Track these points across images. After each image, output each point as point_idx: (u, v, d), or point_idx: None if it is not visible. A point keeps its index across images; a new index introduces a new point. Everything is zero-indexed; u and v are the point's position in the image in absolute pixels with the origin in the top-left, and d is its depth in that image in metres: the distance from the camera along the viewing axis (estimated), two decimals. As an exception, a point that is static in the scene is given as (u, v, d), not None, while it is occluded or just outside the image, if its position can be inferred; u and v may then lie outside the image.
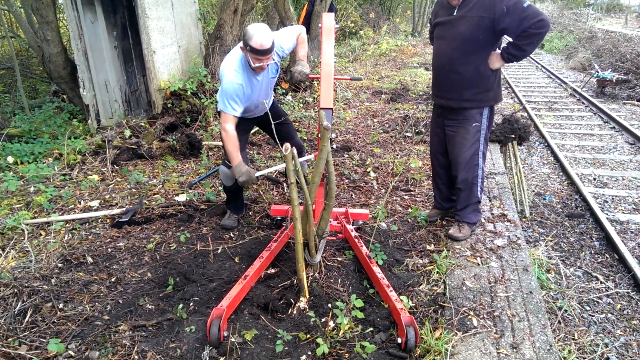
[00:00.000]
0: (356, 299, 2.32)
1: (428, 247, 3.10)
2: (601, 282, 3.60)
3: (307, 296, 2.57)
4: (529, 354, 2.13)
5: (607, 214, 4.56)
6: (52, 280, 2.79)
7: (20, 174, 4.37)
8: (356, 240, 2.98)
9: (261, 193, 3.96)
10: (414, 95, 7.75)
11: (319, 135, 2.38)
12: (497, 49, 2.78)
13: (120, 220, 3.53)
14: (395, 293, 2.46)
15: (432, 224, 3.41)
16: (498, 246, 3.04)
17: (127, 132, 4.94)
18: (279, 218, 3.41)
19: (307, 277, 2.64)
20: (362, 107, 7.00)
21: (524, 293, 2.58)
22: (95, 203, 3.92)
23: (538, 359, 2.10)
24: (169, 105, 5.48)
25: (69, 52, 6.08)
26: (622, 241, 3.97)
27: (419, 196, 3.91)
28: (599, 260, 3.89)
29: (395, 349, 2.22)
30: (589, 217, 4.59)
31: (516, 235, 3.18)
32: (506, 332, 2.28)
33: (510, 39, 2.67)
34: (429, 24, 3.27)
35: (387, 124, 6.10)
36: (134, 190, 4.16)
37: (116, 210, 3.71)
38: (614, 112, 8.32)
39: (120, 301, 2.64)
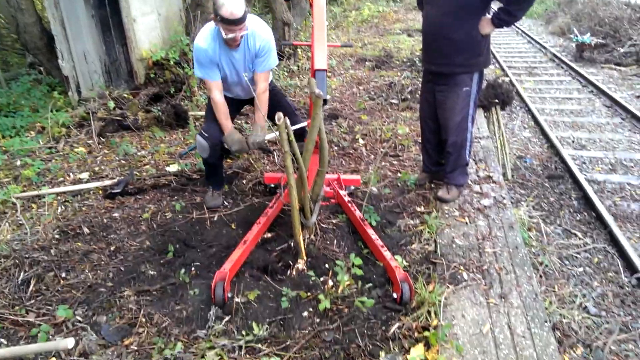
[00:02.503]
0: (355, 257, 2.42)
1: (418, 209, 3.22)
2: (579, 239, 3.79)
3: (305, 258, 2.66)
4: (516, 302, 2.29)
5: (585, 175, 4.74)
6: (52, 251, 2.82)
7: (4, 148, 4.30)
8: (349, 204, 3.08)
9: (252, 162, 4.00)
10: (398, 62, 7.76)
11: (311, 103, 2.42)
12: (487, 14, 2.83)
13: (113, 191, 3.54)
14: (389, 252, 2.58)
15: (421, 187, 3.53)
16: (485, 206, 3.18)
17: (111, 104, 4.87)
18: (272, 185, 3.47)
19: (304, 240, 2.73)
20: (346, 75, 7.00)
21: (510, 248, 2.73)
22: (85, 175, 3.91)
23: (525, 307, 2.26)
24: (152, 75, 5.39)
25: (44, 21, 5.87)
26: (600, 200, 4.16)
27: (407, 161, 4.01)
28: (578, 218, 4.08)
29: (391, 303, 2.35)
30: (568, 178, 4.77)
31: (501, 196, 3.32)
32: (494, 284, 2.43)
33: (501, 4, 2.71)
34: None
35: (372, 92, 6.14)
36: (123, 161, 4.15)
37: (107, 182, 3.71)
38: (592, 75, 8.49)
39: (122, 268, 2.70)
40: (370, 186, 3.46)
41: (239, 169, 3.86)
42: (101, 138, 4.59)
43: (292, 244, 2.80)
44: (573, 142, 5.74)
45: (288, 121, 2.30)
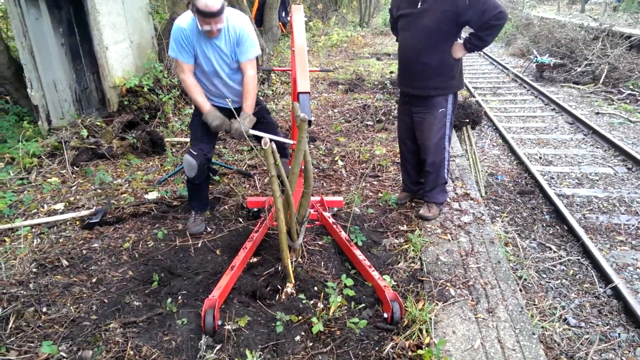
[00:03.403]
0: (347, 277, 2.44)
1: (401, 228, 3.28)
2: (554, 252, 3.92)
3: (293, 281, 2.66)
4: (504, 316, 2.34)
5: (554, 189, 4.93)
6: (30, 285, 2.72)
7: (-28, 181, 4.15)
8: (334, 225, 3.10)
9: (233, 186, 3.99)
10: (369, 85, 7.95)
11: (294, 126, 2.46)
12: (459, 39, 2.97)
13: (91, 221, 3.46)
14: (377, 272, 2.61)
15: (402, 206, 3.59)
16: (465, 222, 3.26)
17: (84, 132, 4.78)
18: (255, 209, 3.46)
19: (291, 263, 2.74)
20: (321, 98, 7.11)
21: (493, 263, 2.81)
22: (60, 206, 3.80)
23: (512, 320, 2.31)
24: (126, 102, 5.34)
25: (12, 50, 5.76)
26: (570, 213, 4.33)
27: (386, 181, 4.09)
28: (551, 232, 4.22)
29: (382, 323, 2.37)
30: (539, 193, 4.95)
31: (480, 212, 3.42)
32: (481, 299, 2.48)
33: (472, 30, 2.86)
34: (389, 15, 3.41)
35: (347, 114, 6.26)
36: (99, 190, 4.06)
37: (84, 212, 3.62)
38: (553, 94, 8.91)
39: (106, 300, 2.62)
40: (354, 207, 3.50)
41: (220, 194, 3.85)
42: (75, 167, 4.49)
43: (279, 268, 2.79)
44: (540, 158, 5.98)
45: (275, 146, 2.33)
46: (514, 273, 3.40)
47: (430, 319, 2.29)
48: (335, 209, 3.47)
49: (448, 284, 2.60)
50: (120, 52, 5.47)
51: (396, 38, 3.34)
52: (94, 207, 3.68)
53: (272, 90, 7.08)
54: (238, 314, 2.43)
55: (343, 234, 2.99)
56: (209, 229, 3.36)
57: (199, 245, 3.15)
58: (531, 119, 7.73)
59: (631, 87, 8.84)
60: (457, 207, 3.49)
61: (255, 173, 4.26)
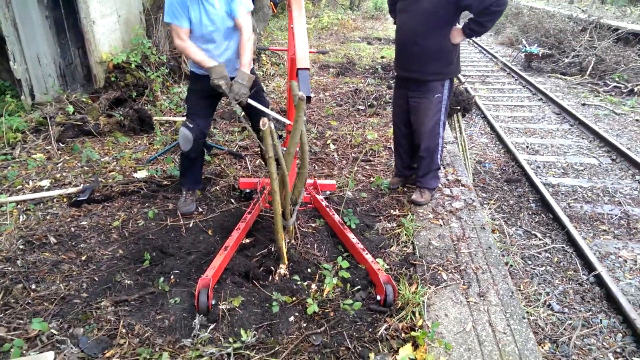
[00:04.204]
0: (342, 260, 2.44)
1: (393, 212, 3.30)
2: (539, 239, 3.99)
3: (287, 262, 2.66)
4: (495, 300, 2.39)
5: (540, 178, 5.00)
6: (18, 262, 2.66)
7: (-47, 155, 4.02)
8: (327, 208, 3.10)
9: (224, 167, 3.95)
10: (360, 69, 7.90)
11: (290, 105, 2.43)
12: (458, 24, 2.96)
13: (79, 199, 3.39)
14: (370, 255, 2.62)
15: (395, 191, 3.61)
16: (456, 208, 3.29)
17: (70, 108, 4.66)
18: (247, 190, 3.44)
19: (285, 244, 2.73)
20: (312, 82, 7.04)
21: (484, 248, 2.85)
22: (45, 182, 3.71)
23: (503, 304, 2.36)
24: (112, 79, 5.21)
25: (-6, 21, 5.53)
26: (556, 202, 4.40)
27: (379, 166, 4.10)
28: (536, 220, 4.29)
29: (375, 305, 2.39)
30: (525, 181, 5.02)
31: (471, 198, 3.45)
32: (473, 283, 2.52)
33: (471, 16, 2.85)
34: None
35: (339, 98, 6.22)
36: (86, 168, 3.98)
37: (72, 189, 3.55)
38: (540, 84, 8.99)
39: (96, 278, 2.59)
40: (347, 191, 3.50)
41: (211, 174, 3.80)
42: (60, 144, 4.38)
43: (272, 249, 2.79)
44: (527, 147, 6.05)
45: (272, 126, 2.30)
46: (501, 259, 3.46)
47: (423, 302, 2.32)
48: (328, 192, 3.46)
49: (440, 268, 2.63)
50: (108, 27, 5.31)
51: (394, 20, 3.31)
52: (82, 185, 3.61)
53: (263, 72, 6.99)
54: (232, 294, 2.43)
55: (336, 217, 3.00)
56: (200, 209, 3.33)
57: (191, 225, 3.12)
58: (519, 108, 7.80)
59: (617, 79, 8.97)
60: (449, 193, 3.52)
61: (247, 154, 4.22)
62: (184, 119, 3.22)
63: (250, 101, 2.84)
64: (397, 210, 3.32)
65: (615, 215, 4.29)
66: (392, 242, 2.93)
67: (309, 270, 2.65)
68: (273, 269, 2.64)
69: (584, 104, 7.92)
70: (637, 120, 7.13)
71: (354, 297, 2.44)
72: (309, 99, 2.29)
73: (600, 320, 3.07)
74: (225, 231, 3.05)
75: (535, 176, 4.98)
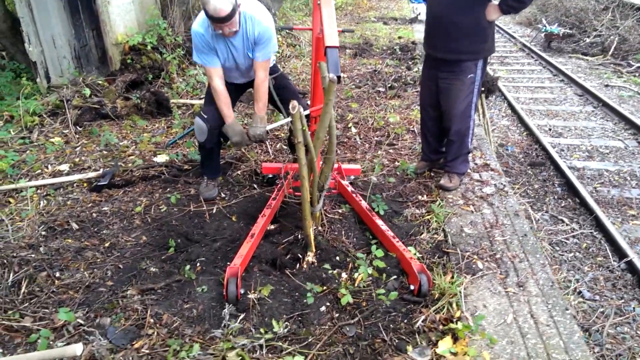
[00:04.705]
0: (377, 249, 2.35)
1: (421, 198, 3.19)
2: (567, 224, 3.87)
3: (314, 250, 2.58)
4: (535, 290, 2.29)
5: (565, 162, 4.85)
6: (41, 249, 2.61)
7: (-30, 139, 3.98)
8: (353, 194, 3.01)
9: (245, 151, 3.86)
10: (378, 50, 7.71)
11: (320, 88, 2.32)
12: (494, 0, 2.80)
13: (99, 183, 3.33)
14: (402, 243, 2.53)
15: (421, 175, 3.49)
16: (487, 194, 3.18)
17: (87, 91, 4.58)
18: (270, 176, 3.35)
19: (312, 231, 2.64)
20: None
21: (519, 236, 2.74)
22: (64, 167, 3.66)
23: (544, 295, 2.26)
24: (128, 61, 5.12)
25: (8, 2, 5.45)
26: (582, 186, 4.26)
27: (403, 149, 3.97)
28: (563, 205, 4.16)
29: (409, 295, 2.30)
30: (550, 165, 4.86)
31: (502, 183, 3.33)
32: (510, 273, 2.42)
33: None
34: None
35: (357, 79, 6.06)
36: (105, 152, 3.91)
37: (91, 174, 3.49)
38: (561, 65, 8.71)
39: (121, 266, 2.53)
40: (373, 175, 3.39)
41: (232, 159, 3.72)
42: (78, 127, 4.32)
43: (298, 236, 2.71)
44: (550, 130, 5.87)
45: (302, 111, 2.19)
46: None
47: (460, 292, 2.23)
48: (352, 177, 3.36)
49: (475, 257, 2.53)
50: (123, 7, 5.19)
51: (423, -2, 3.15)
52: (101, 169, 3.55)
53: (279, 53, 6.83)
54: (260, 282, 2.36)
55: (363, 203, 2.90)
56: (223, 195, 3.25)
57: (214, 211, 3.04)
58: (540, 90, 7.57)
59: (642, 59, 8.66)
60: (478, 178, 3.40)
61: (267, 137, 4.12)
62: (202, 105, 3.20)
63: (269, 127, 3.01)
64: (424, 195, 3.21)
65: None
66: (422, 229, 2.83)
67: (337, 258, 2.57)
68: (301, 256, 2.57)
69: (607, 85, 7.66)
70: (663, 102, 6.89)
71: (386, 287, 2.36)
72: (338, 79, 2.18)
73: (633, 308, 2.97)
74: (249, 217, 2.98)
75: (560, 159, 4.83)
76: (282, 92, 3.10)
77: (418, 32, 9.47)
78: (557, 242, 3.64)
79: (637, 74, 8.18)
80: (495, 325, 2.08)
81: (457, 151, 3.17)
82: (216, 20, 2.52)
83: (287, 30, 6.49)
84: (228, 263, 2.52)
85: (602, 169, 4.73)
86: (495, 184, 3.31)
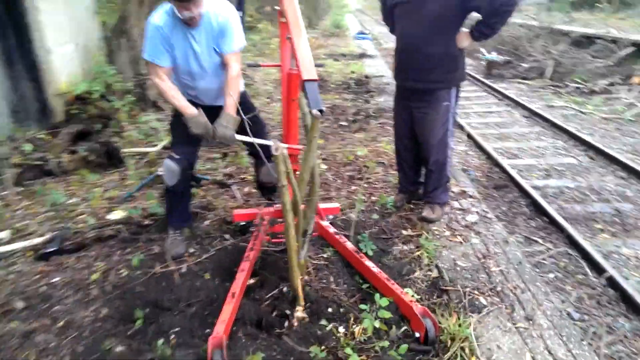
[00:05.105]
0: (380, 297, 2.13)
1: (405, 233, 3.03)
2: (541, 244, 3.83)
3: (303, 303, 2.33)
4: (545, 323, 2.14)
5: (526, 182, 4.89)
6: (-21, 338, 2.19)
7: None
8: (336, 235, 2.80)
9: (211, 199, 3.58)
10: (333, 85, 7.72)
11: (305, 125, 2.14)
12: (463, 28, 2.77)
13: (47, 250, 2.93)
14: (398, 286, 2.33)
15: (401, 208, 3.35)
16: (472, 222, 3.07)
17: (28, 146, 4.17)
18: (243, 223, 3.09)
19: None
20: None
21: (514, 264, 2.62)
22: (4, 234, 3.22)
23: (555, 326, 2.12)
24: (73, 111, 4.76)
25: None
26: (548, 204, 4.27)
27: (376, 183, 3.84)
28: (533, 225, 4.14)
29: (415, 344, 2.09)
30: (513, 186, 4.89)
31: (483, 210, 3.24)
32: (515, 306, 2.27)
33: (480, 18, 2.66)
34: (381, 4, 3.15)
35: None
36: (51, 213, 3.50)
37: (37, 240, 3.08)
38: (505, 90, 9.09)
39: (80, 348, 2.15)
40: (356, 212, 3.20)
41: (198, 208, 3.42)
42: (19, 188, 3.88)
43: (283, 289, 2.45)
44: (505, 152, 5.97)
45: (286, 152, 2.00)
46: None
47: (470, 334, 2.04)
48: (331, 216, 3.16)
49: (476, 292, 2.37)
50: (65, 55, 4.87)
51: (390, 29, 3.09)
52: (48, 234, 3.15)
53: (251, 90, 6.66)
54: (246, 349, 2.07)
55: (349, 244, 2.69)
56: (192, 250, 2.94)
57: (184, 269, 2.72)
58: (489, 115, 7.79)
59: (577, 80, 9.20)
60: (458, 207, 3.30)
61: (233, 182, 3.86)
62: (168, 150, 2.91)
63: (238, 136, 2.61)
64: (409, 230, 3.06)
65: (608, 213, 4.21)
66: (414, 267, 2.65)
67: (330, 310, 2.32)
68: (289, 312, 2.30)
69: (550, 106, 8.02)
70: (603, 118, 7.25)
71: (388, 337, 2.13)
72: (321, 112, 2.01)
73: (623, 324, 2.91)
74: (224, 272, 2.69)
75: (523, 180, 4.87)
76: (251, 129, 2.88)
77: (368, 67, 9.64)
78: (535, 263, 3.57)
79: (575, 94, 8.66)
80: (515, 369, 1.89)
81: (437, 181, 3.06)
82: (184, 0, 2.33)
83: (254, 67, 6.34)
84: (208, 331, 2.23)
85: (562, 186, 4.81)
86: (477, 212, 3.22)
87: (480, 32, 2.68)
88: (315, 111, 1.97)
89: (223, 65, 2.68)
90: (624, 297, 3.01)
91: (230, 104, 2.63)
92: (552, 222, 4.07)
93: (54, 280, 2.69)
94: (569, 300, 3.15)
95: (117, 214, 3.40)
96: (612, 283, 3.17)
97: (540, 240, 3.88)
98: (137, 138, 4.92)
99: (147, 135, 5.06)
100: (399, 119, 3.14)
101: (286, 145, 2.14)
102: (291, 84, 2.64)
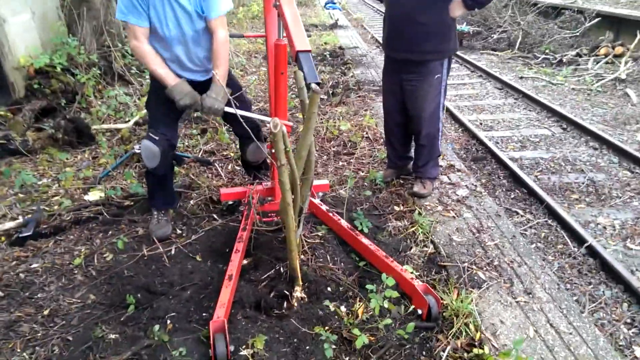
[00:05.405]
0: (387, 277, 2.10)
1: (397, 209, 3.00)
2: (522, 216, 3.90)
3: (301, 283, 2.28)
4: (544, 296, 2.17)
5: (504, 154, 4.95)
6: (-43, 333, 2.04)
7: None
8: (329, 213, 2.74)
9: (194, 177, 3.43)
10: (307, 57, 7.51)
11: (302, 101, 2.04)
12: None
13: (21, 235, 2.75)
14: (397, 263, 2.31)
15: (390, 184, 3.32)
16: (463, 196, 3.07)
17: (-12, 125, 3.87)
18: (230, 202, 2.98)
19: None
20: (260, 73, 6.55)
21: (508, 238, 2.64)
22: (-29, 219, 3.00)
23: (554, 299, 2.15)
24: (35, 86, 4.43)
25: None
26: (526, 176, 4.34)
27: (363, 158, 3.78)
28: (513, 197, 4.21)
29: (418, 321, 2.08)
30: (491, 158, 4.95)
31: (473, 184, 3.25)
32: (514, 280, 2.30)
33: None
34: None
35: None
36: (22, 195, 3.28)
37: (9, 224, 2.88)
38: (476, 61, 9.12)
39: (70, 338, 2.04)
40: (347, 189, 3.14)
41: (181, 187, 3.28)
42: (-19, 169, 3.61)
43: (280, 269, 2.39)
44: (481, 124, 6.02)
45: (285, 130, 1.90)
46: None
47: (473, 310, 2.05)
48: (321, 193, 3.10)
49: (474, 267, 2.38)
50: (22, 25, 4.49)
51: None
52: (21, 217, 2.95)
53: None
54: (249, 333, 2.01)
55: (343, 222, 2.65)
56: (179, 231, 2.82)
57: (173, 251, 2.62)
58: (462, 86, 7.81)
59: (546, 51, 9.32)
60: (448, 181, 3.30)
61: (215, 159, 3.72)
62: (141, 127, 2.73)
63: (227, 109, 2.45)
64: (400, 205, 3.03)
65: (583, 183, 4.32)
66: (410, 243, 2.63)
67: (329, 289, 2.29)
68: (287, 293, 2.25)
69: (521, 77, 8.11)
70: (573, 89, 7.40)
71: (390, 315, 2.12)
72: (319, 85, 1.91)
73: (603, 292, 3.01)
74: (216, 254, 2.60)
75: (501, 152, 4.93)
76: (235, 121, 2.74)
77: (342, 37, 9.45)
78: (518, 234, 3.64)
79: (544, 65, 8.79)
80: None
81: (428, 155, 3.03)
82: None
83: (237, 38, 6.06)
84: (205, 314, 2.15)
85: (537, 157, 4.89)
86: (467, 185, 3.22)
87: (474, 1, 2.61)
88: (314, 85, 1.87)
89: (203, 32, 2.47)
90: (604, 266, 3.10)
91: (221, 75, 2.46)
92: (531, 193, 4.14)
93: (33, 266, 2.53)
94: (552, 270, 3.23)
95: (94, 195, 3.22)
96: (591, 252, 3.25)
97: (520, 212, 3.95)
98: (106, 114, 4.66)
99: (117, 110, 4.80)
100: (389, 93, 3.06)
101: (286, 122, 2.04)
102: (279, 56, 2.49)
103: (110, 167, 3.49)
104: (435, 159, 3.09)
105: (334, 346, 1.91)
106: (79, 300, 2.28)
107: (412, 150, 3.27)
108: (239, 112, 2.41)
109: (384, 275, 2.11)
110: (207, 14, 2.38)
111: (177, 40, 2.44)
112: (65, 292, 2.33)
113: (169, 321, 2.11)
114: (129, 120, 4.54)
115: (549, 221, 3.77)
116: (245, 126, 2.32)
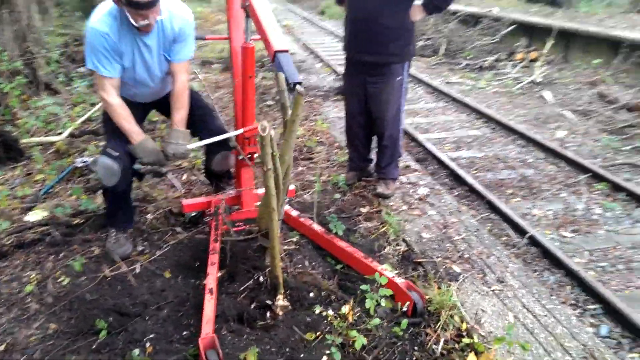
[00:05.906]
0: (380, 276, 2.10)
1: (363, 210, 3.04)
2: (467, 212, 4.12)
3: (283, 291, 2.23)
4: (516, 283, 2.31)
5: (443, 154, 5.20)
6: None
7: None
8: (300, 218, 2.72)
9: (147, 190, 3.24)
10: (246, 63, 7.41)
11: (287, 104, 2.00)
12: (417, 1, 2.78)
13: (-45, 264, 2.43)
14: (377, 263, 2.34)
15: (353, 186, 3.35)
16: (425, 195, 3.18)
17: None
18: (193, 214, 2.85)
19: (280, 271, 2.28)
20: (203, 80, 6.34)
21: (472, 232, 2.77)
22: None
23: (524, 286, 2.29)
24: (-51, 97, 3.97)
25: None
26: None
27: (322, 163, 3.79)
28: (456, 194, 4.42)
29: (404, 318, 2.12)
30: (432, 159, 5.18)
31: (431, 182, 3.37)
32: (486, 270, 2.41)
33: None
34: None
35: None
36: (-52, 220, 2.91)
37: (-63, 253, 2.54)
38: (407, 67, 9.53)
39: (36, 374, 1.83)
40: (316, 193, 3.12)
41: (136, 201, 3.07)
42: None
43: (259, 278, 2.32)
44: (417, 127, 6.30)
45: (272, 133, 1.85)
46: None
47: (457, 302, 2.13)
48: (288, 199, 3.05)
49: (447, 261, 2.47)
50: None
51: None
52: (-49, 245, 2.61)
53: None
54: (237, 347, 1.93)
55: (316, 227, 2.63)
56: (140, 248, 2.65)
57: (138, 270, 2.44)
58: (395, 91, 8.10)
59: (468, 57, 9.96)
60: (407, 181, 3.40)
61: (168, 170, 3.53)
62: (76, 138, 2.62)
63: (190, 146, 2.50)
64: (367, 207, 3.07)
65: (515, 179, 4.64)
66: (383, 243, 2.67)
67: (312, 295, 2.25)
68: (270, 302, 2.19)
69: (448, 82, 8.57)
70: (496, 92, 7.96)
71: (377, 314, 2.13)
72: (299, 83, 1.90)
73: (548, 277, 3.24)
74: (186, 269, 2.47)
75: (441, 153, 5.17)
76: (197, 115, 2.65)
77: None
78: (481, 228, 3.82)
79: (467, 70, 9.37)
80: (502, 328, 2.02)
81: (391, 157, 3.11)
82: (142, 7, 2.05)
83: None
84: (186, 332, 2.04)
85: (472, 157, 5.19)
86: (425, 184, 3.34)
87: (435, 5, 2.72)
88: (299, 87, 1.85)
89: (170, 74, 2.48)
90: (545, 254, 3.32)
91: (180, 120, 2.46)
92: (472, 190, 4.37)
93: (-25, 298, 2.24)
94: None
95: (37, 215, 2.93)
96: (533, 242, 3.49)
97: (465, 208, 4.16)
98: (34, 125, 4.27)
99: (47, 122, 4.42)
100: (352, 96, 3.10)
101: (273, 125, 1.99)
102: (247, 58, 2.44)
103: (51, 182, 3.19)
104: (396, 160, 3.18)
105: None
106: (38, 331, 2.06)
107: (373, 152, 3.34)
108: (204, 142, 2.51)
109: (376, 275, 2.13)
110: (172, 58, 2.40)
111: (146, 81, 2.45)
112: (20, 324, 2.10)
113: (148, 344, 1.96)
114: (61, 132, 4.20)
115: (491, 215, 4.00)
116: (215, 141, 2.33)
